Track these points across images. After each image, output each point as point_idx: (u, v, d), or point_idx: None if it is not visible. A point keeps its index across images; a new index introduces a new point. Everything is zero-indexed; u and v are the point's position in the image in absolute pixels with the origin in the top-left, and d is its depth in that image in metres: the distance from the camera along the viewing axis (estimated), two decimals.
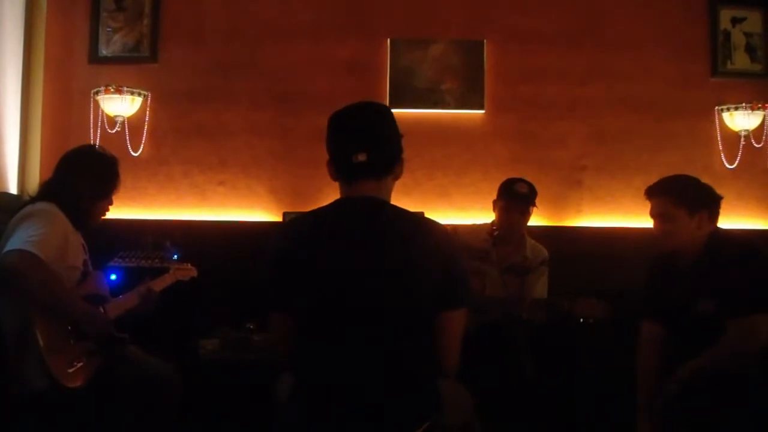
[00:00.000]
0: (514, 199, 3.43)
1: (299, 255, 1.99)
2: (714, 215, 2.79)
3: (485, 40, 4.34)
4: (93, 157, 2.94)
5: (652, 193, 2.83)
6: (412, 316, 1.96)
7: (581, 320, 2.96)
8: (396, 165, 2.08)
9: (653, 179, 2.87)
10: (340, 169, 2.06)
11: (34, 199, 2.76)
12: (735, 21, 4.40)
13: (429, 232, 2.04)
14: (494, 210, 3.52)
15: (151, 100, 4.25)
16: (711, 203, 2.78)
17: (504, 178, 3.54)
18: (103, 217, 2.95)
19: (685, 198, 2.74)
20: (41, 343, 2.45)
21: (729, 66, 4.39)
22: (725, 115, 4.27)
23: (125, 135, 4.18)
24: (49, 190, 2.79)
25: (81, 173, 2.82)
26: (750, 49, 4.40)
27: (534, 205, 3.47)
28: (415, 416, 1.95)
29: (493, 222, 3.52)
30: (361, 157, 1.99)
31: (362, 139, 2.02)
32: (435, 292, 1.96)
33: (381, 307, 1.94)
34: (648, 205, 2.85)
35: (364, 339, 1.94)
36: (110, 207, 2.95)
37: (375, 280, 1.93)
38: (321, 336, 1.98)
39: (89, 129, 4.15)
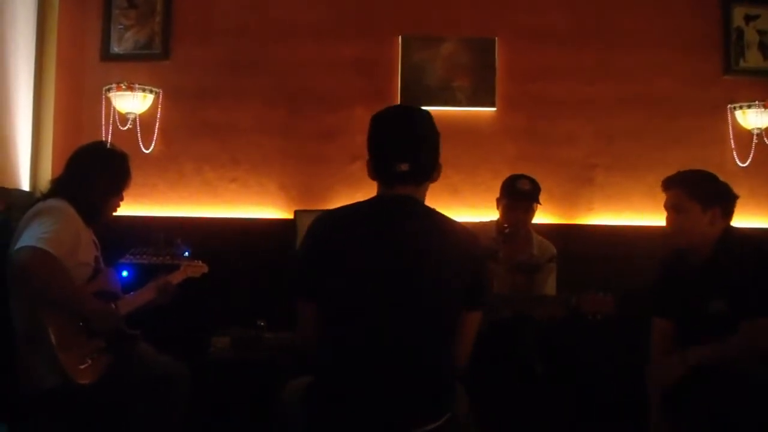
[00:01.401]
0: (517, 197, 3.38)
1: (332, 246, 2.03)
2: (728, 213, 2.75)
3: (496, 38, 4.33)
4: (103, 154, 2.96)
5: (667, 184, 2.82)
6: (436, 314, 2.01)
7: (589, 317, 2.94)
8: (434, 171, 2.13)
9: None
10: (381, 173, 2.10)
11: (45, 196, 2.77)
12: (748, 18, 4.36)
13: (459, 234, 2.09)
14: (498, 208, 3.48)
15: (162, 97, 4.26)
16: (726, 200, 2.75)
17: None
18: (114, 214, 2.96)
19: (699, 192, 2.72)
20: (53, 339, 2.46)
21: (742, 64, 4.35)
22: (738, 113, 4.23)
23: (137, 132, 4.19)
24: (60, 187, 2.81)
25: (92, 170, 2.84)
26: (763, 47, 4.36)
27: (538, 202, 3.41)
28: (436, 409, 2.00)
29: (498, 220, 3.48)
30: (404, 167, 2.04)
31: (405, 148, 2.07)
32: (461, 292, 2.03)
33: (407, 303, 1.98)
34: (661, 201, 2.84)
35: (387, 334, 1.98)
36: (121, 203, 2.97)
37: (403, 277, 1.99)
38: (346, 327, 2.02)
39: (101, 126, 4.17)
